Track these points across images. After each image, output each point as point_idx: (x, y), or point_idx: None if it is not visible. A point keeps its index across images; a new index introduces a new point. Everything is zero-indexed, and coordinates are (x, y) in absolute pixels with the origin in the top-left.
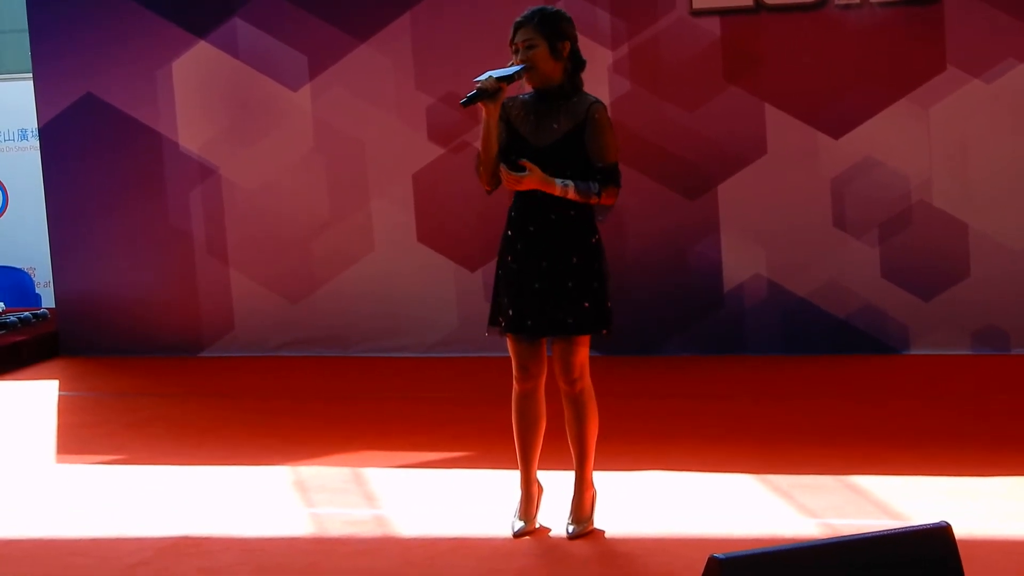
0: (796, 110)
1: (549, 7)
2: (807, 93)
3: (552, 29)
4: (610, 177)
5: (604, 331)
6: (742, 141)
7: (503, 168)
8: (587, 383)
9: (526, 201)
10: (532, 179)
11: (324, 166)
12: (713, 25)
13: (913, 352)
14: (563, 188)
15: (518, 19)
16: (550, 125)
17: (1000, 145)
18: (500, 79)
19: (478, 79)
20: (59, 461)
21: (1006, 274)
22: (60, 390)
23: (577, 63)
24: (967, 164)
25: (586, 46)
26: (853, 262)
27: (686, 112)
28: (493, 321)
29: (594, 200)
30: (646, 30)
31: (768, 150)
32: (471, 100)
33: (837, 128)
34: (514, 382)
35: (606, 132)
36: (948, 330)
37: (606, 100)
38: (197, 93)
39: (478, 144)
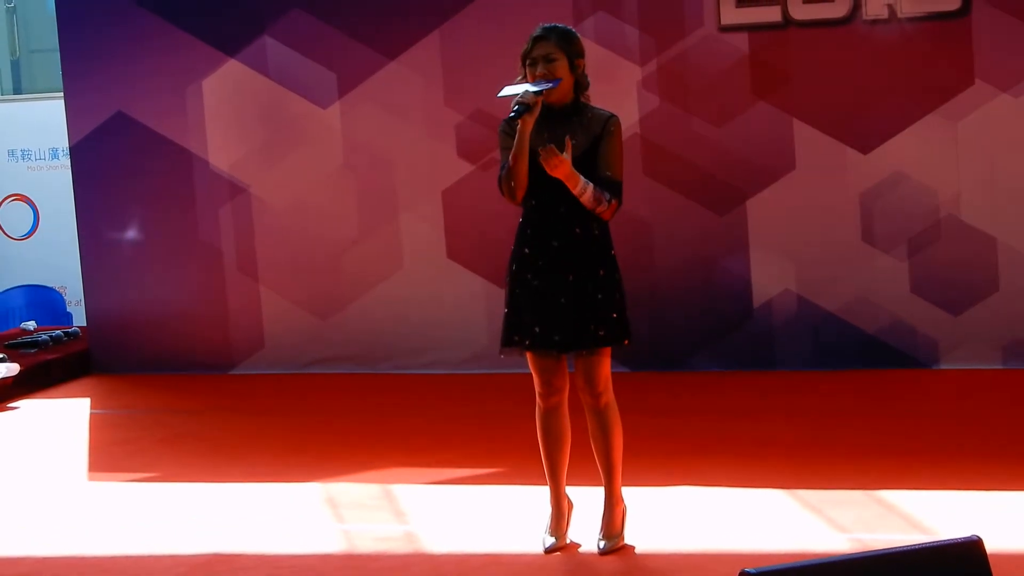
0: (824, 125)
1: (562, 25)
2: (835, 108)
3: (571, 45)
4: (617, 190)
5: (626, 341)
6: (771, 156)
7: (549, 147)
8: (611, 396)
9: (545, 217)
10: (566, 165)
11: (353, 183)
12: (741, 41)
13: (943, 367)
14: (584, 185)
15: (536, 33)
16: (567, 141)
17: None
18: (537, 93)
19: (508, 94)
20: (91, 479)
21: None
22: (92, 408)
23: (586, 82)
24: (996, 178)
25: (615, 62)
26: (882, 277)
27: (715, 127)
28: (508, 341)
29: (601, 209)
30: (674, 46)
31: (797, 165)
32: (519, 114)
33: (866, 143)
34: (538, 399)
35: (621, 147)
36: (978, 345)
37: (635, 116)
38: (227, 111)
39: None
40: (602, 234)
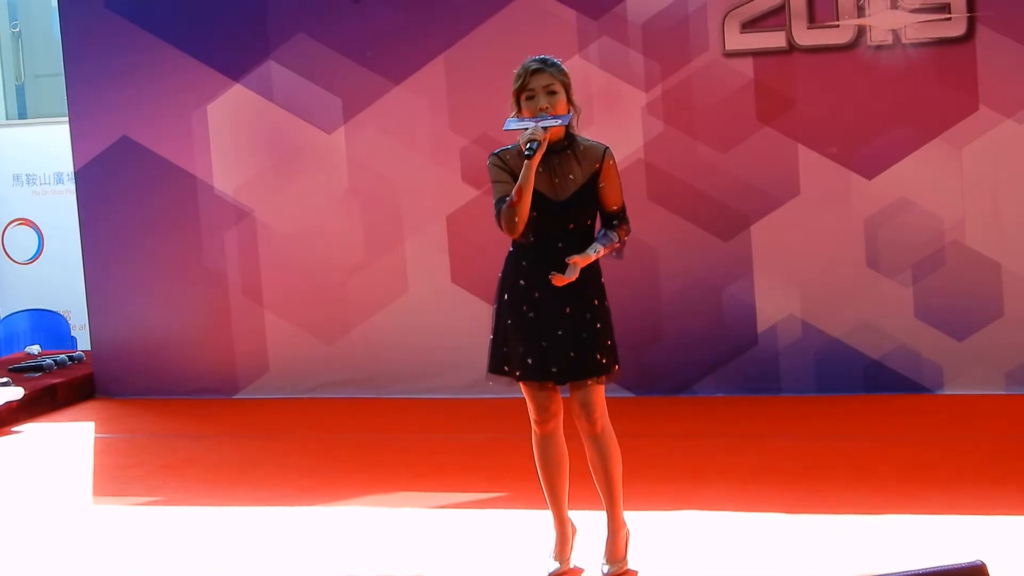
0: (829, 151)
1: (549, 57)
2: (840, 134)
3: (567, 76)
4: (625, 217)
5: (616, 367)
6: (775, 182)
7: (556, 276)
8: (607, 421)
9: (543, 252)
10: (573, 271)
11: (358, 208)
12: (746, 66)
13: (947, 392)
14: (595, 251)
15: (532, 66)
16: (566, 176)
17: None
18: (545, 129)
19: (514, 128)
20: (96, 502)
21: None
22: (96, 432)
23: (578, 112)
24: (1000, 204)
25: (619, 88)
26: (886, 302)
27: (719, 153)
28: (496, 369)
29: (619, 245)
30: (679, 71)
31: (801, 191)
32: (533, 152)
33: (870, 169)
34: (534, 426)
35: (618, 177)
36: (982, 370)
37: (639, 141)
38: (232, 136)
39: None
40: (595, 264)
